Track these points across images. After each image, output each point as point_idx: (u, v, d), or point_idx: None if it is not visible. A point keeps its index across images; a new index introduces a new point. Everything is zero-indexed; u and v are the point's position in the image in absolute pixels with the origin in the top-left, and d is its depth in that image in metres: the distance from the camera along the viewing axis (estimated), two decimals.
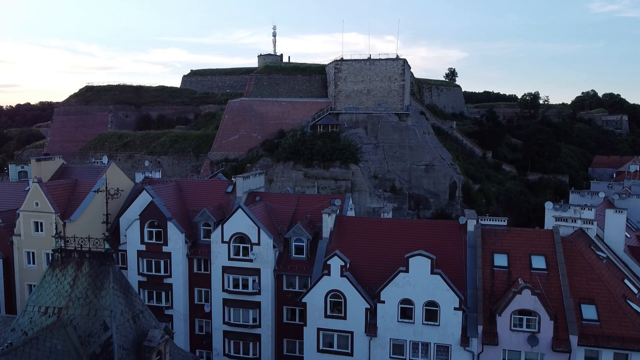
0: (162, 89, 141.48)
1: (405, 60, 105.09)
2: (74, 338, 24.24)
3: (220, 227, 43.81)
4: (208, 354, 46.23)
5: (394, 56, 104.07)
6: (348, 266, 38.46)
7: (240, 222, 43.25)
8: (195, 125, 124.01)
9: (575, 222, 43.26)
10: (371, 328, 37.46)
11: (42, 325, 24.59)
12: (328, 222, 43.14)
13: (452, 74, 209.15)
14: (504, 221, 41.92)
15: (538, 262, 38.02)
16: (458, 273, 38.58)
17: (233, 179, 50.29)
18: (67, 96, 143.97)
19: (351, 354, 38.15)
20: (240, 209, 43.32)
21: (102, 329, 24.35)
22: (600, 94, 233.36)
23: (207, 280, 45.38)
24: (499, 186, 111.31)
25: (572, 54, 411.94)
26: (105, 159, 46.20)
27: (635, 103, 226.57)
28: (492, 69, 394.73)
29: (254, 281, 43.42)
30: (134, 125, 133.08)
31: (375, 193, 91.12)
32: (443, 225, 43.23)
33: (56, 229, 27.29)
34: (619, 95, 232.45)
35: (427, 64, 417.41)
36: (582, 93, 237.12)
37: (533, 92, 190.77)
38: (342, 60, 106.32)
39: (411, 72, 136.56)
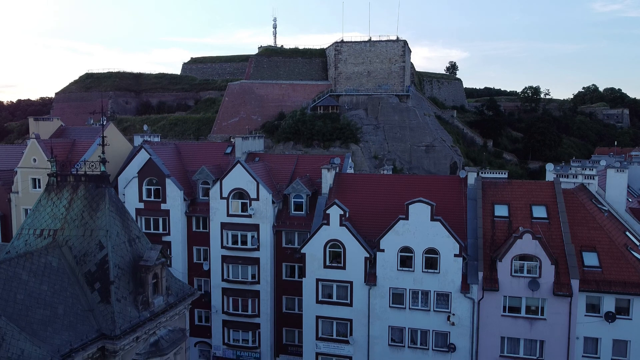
0: (162, 76, 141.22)
1: (405, 42, 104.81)
2: (69, 257, 24.02)
3: (219, 182, 43.53)
4: (207, 312, 45.93)
5: (395, 37, 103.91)
6: (347, 215, 38.10)
7: (239, 178, 42.97)
8: (196, 110, 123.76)
9: (576, 177, 43.09)
10: (371, 277, 37.14)
11: (37, 247, 24.33)
12: (327, 178, 42.82)
13: (452, 68, 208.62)
14: (505, 174, 41.57)
15: (539, 211, 37.70)
16: (459, 224, 38.24)
17: (232, 140, 50.01)
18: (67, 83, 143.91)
19: (350, 304, 37.83)
20: (239, 164, 43.04)
21: (98, 248, 24.12)
22: (601, 89, 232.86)
23: (205, 239, 45.07)
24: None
25: (574, 54, 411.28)
26: (103, 120, 46.01)
27: (636, 97, 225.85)
28: (494, 69, 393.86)
29: (252, 237, 43.12)
30: (134, 111, 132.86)
31: (375, 173, 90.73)
32: (443, 180, 42.97)
33: (52, 153, 27.04)
34: (620, 89, 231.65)
35: (429, 64, 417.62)
36: (583, 88, 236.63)
37: (534, 86, 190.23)
38: (342, 42, 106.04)
39: (412, 63, 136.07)
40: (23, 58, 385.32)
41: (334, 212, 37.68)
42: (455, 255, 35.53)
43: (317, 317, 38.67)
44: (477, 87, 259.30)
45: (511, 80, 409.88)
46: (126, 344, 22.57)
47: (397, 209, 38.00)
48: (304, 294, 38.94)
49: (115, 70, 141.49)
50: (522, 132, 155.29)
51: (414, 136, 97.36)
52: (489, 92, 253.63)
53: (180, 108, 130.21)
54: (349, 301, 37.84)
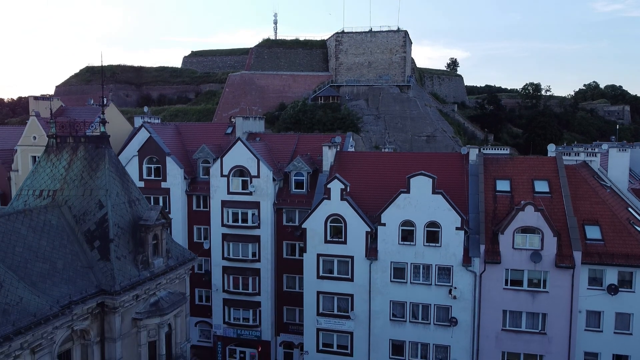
0: (162, 69, 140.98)
1: (406, 32, 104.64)
2: (68, 217, 23.88)
3: (219, 160, 43.35)
4: (207, 292, 45.75)
5: (395, 28, 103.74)
6: (348, 190, 37.88)
7: (239, 155, 42.81)
8: (196, 102, 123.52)
9: (578, 155, 42.92)
10: (372, 252, 36.93)
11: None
12: (328, 155, 42.63)
13: (453, 64, 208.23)
14: (507, 149, 41.37)
15: (541, 186, 37.51)
16: (460, 199, 38.02)
17: (232, 120, 49.83)
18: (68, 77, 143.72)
19: (351, 279, 37.61)
20: (239, 141, 42.88)
21: (98, 207, 23.99)
22: (602, 86, 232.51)
23: (206, 217, 44.90)
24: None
25: (575, 53, 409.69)
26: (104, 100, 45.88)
27: (637, 95, 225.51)
28: (495, 69, 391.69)
29: (253, 214, 42.94)
30: (134, 104, 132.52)
31: None
32: (445, 157, 42.80)
33: (51, 113, 26.91)
34: (620, 87, 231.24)
35: (430, 64, 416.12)
36: (584, 85, 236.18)
37: (535, 83, 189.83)
38: (343, 32, 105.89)
39: (413, 59, 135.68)
40: (23, 58, 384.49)
41: (335, 187, 37.45)
42: (457, 229, 35.30)
43: (318, 293, 38.45)
44: (478, 85, 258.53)
45: (512, 80, 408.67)
46: (125, 300, 22.43)
47: (399, 185, 37.75)
48: (304, 269, 38.70)
49: (116, 63, 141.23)
50: (523, 128, 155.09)
51: (414, 126, 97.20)
52: (489, 89, 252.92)
53: (180, 101, 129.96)
54: (350, 276, 37.62)
